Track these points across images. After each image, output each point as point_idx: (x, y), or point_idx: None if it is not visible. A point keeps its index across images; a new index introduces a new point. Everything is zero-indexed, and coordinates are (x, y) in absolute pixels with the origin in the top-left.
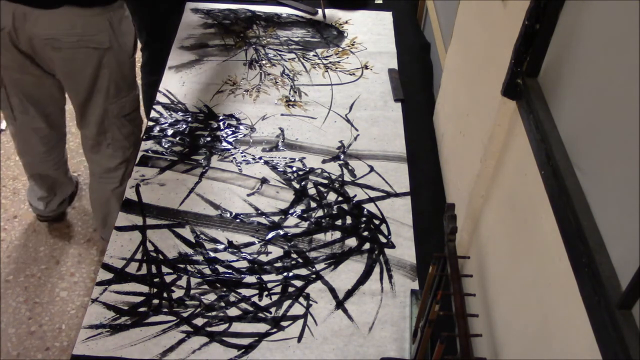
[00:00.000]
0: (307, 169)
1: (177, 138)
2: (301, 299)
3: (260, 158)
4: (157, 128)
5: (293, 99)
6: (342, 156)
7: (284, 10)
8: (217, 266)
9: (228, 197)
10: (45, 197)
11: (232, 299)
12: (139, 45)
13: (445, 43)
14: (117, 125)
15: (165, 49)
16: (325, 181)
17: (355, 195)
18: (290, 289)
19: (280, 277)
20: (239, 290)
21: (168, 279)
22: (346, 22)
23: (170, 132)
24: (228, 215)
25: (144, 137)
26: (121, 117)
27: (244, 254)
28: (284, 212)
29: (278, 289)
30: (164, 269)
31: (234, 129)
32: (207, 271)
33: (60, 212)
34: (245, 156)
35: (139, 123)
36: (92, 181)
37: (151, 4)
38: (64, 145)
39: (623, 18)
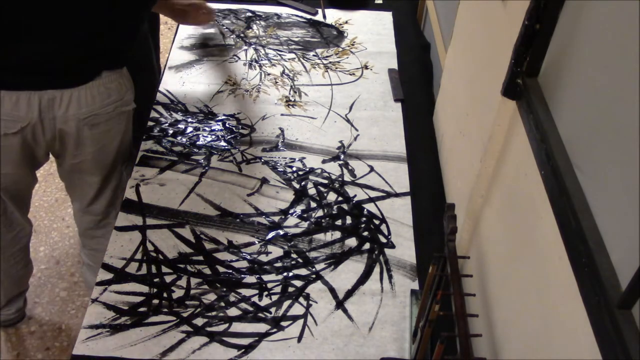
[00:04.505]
0: (307, 169)
1: (177, 138)
2: (301, 299)
3: (260, 158)
4: (157, 128)
5: (293, 99)
6: (342, 156)
7: (284, 10)
8: (217, 266)
9: (228, 197)
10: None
11: (232, 299)
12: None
13: (445, 43)
14: (124, 186)
15: None
16: (325, 181)
17: (355, 195)
18: (290, 289)
19: (280, 277)
20: (239, 290)
21: (168, 279)
22: (346, 22)
23: (170, 132)
24: (228, 215)
25: (144, 137)
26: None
27: (244, 254)
28: (284, 212)
29: (278, 289)
30: (164, 269)
31: (234, 129)
32: (207, 271)
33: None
34: (245, 156)
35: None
36: (92, 257)
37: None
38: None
39: (623, 18)
